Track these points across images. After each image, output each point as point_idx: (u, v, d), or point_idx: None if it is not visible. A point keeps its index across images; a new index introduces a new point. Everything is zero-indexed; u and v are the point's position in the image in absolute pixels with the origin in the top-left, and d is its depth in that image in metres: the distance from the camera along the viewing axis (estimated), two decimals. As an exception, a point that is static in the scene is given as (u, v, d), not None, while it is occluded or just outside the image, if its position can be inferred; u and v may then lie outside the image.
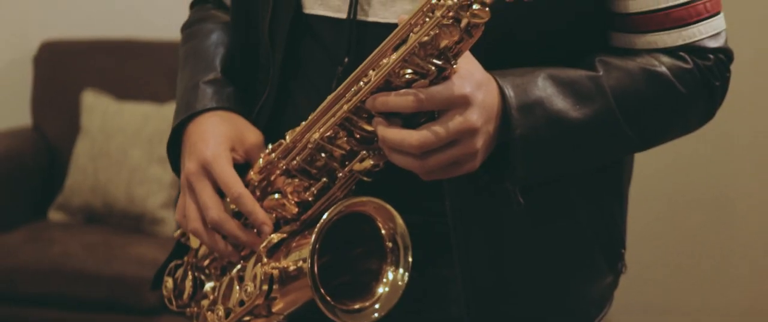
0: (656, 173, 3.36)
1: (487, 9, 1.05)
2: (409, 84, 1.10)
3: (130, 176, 3.43)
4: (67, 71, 3.73)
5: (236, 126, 1.31)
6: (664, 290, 3.50)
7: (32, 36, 3.84)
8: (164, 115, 3.46)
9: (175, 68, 1.47)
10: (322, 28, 1.28)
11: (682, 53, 1.25)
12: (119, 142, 3.47)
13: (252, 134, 1.31)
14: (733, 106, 3.20)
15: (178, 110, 1.35)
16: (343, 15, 1.25)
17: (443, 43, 1.08)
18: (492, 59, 1.17)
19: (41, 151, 3.69)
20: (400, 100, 1.10)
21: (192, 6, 1.53)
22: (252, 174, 1.27)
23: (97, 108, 3.56)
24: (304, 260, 1.18)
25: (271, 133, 1.30)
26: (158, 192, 3.42)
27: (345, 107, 1.14)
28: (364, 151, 1.17)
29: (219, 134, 1.28)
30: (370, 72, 1.12)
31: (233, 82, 1.37)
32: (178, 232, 1.38)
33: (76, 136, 3.60)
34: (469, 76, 1.11)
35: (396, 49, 1.11)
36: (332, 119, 1.16)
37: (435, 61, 1.09)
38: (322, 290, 1.19)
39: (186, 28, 1.47)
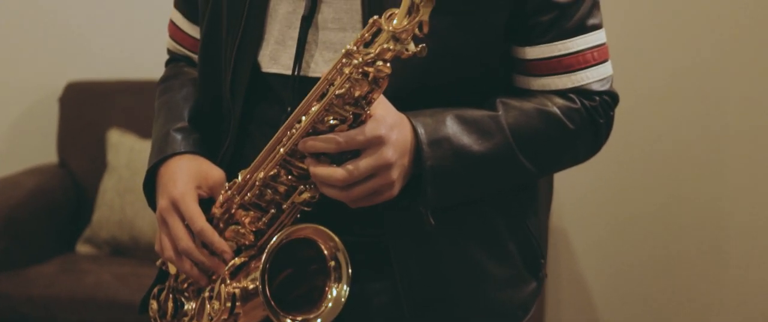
0: (706, 203, 3.41)
1: (388, 64, 1.26)
2: (332, 128, 1.31)
3: (156, 210, 3.52)
4: (91, 111, 3.81)
5: (201, 166, 1.50)
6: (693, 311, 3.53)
7: (58, 77, 3.90)
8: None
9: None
10: (275, 83, 1.48)
11: (571, 95, 1.45)
12: (145, 178, 3.53)
13: (215, 172, 1.50)
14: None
15: (152, 154, 1.55)
16: (290, 71, 1.45)
17: (357, 94, 1.29)
18: (408, 103, 1.38)
19: (68, 187, 3.76)
20: (324, 144, 1.31)
21: (167, 64, 1.74)
22: (215, 209, 1.46)
23: (123, 146, 3.66)
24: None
25: (235, 172, 1.48)
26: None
27: (281, 150, 1.35)
28: (302, 186, 1.38)
29: (186, 174, 1.48)
30: (302, 119, 1.33)
31: (199, 130, 1.57)
32: (160, 260, 1.56)
33: (101, 173, 3.68)
34: (383, 119, 1.32)
35: (319, 99, 1.32)
36: (273, 160, 1.36)
37: (351, 108, 1.30)
38: (273, 304, 1.38)
39: (161, 83, 1.68)
